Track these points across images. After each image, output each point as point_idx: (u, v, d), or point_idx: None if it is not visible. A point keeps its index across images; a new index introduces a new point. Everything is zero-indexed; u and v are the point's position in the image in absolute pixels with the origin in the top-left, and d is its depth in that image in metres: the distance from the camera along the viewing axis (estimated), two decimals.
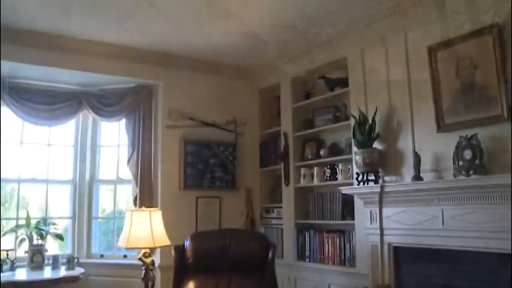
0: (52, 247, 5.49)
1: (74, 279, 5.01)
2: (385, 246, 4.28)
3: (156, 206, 5.29)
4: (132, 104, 5.62)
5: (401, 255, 4.22)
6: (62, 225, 5.73)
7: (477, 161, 3.49)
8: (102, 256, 5.82)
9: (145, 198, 5.46)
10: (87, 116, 5.88)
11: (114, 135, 6.03)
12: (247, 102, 6.28)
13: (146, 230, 4.31)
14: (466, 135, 3.58)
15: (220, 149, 6.00)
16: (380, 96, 4.49)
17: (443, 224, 3.78)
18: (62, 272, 5.11)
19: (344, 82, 5.02)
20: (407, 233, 4.09)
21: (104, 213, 6.13)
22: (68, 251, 5.65)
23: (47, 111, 5.44)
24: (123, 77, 5.56)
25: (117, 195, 6.05)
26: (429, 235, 3.89)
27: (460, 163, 3.61)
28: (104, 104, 5.67)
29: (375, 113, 4.40)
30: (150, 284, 4.39)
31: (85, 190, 5.89)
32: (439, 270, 3.89)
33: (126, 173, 5.74)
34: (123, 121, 5.73)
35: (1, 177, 5.09)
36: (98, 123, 6.01)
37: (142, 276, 4.38)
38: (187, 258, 4.51)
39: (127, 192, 5.86)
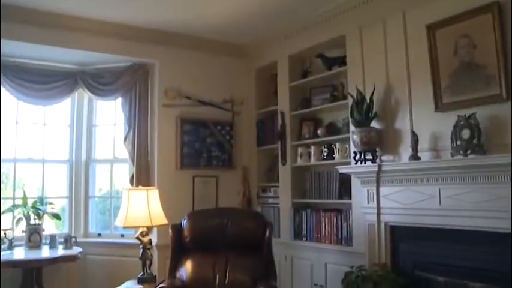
0: (49, 226, 5.51)
1: (72, 258, 5.04)
2: (382, 225, 4.30)
3: (152, 185, 5.29)
4: (128, 82, 5.58)
5: (398, 234, 4.24)
6: (58, 204, 5.73)
7: (475, 141, 3.49)
8: (99, 235, 5.83)
9: (142, 177, 5.45)
10: (82, 95, 5.84)
11: (110, 114, 6.00)
12: (244, 81, 6.23)
13: (143, 209, 4.33)
14: (465, 115, 3.57)
15: (217, 128, 5.98)
16: (378, 75, 4.46)
17: (440, 203, 3.79)
18: (60, 251, 5.13)
19: (342, 61, 4.99)
20: (404, 212, 4.11)
21: (101, 193, 6.12)
22: (65, 231, 5.67)
23: (42, 90, 5.40)
24: (120, 56, 5.50)
25: (113, 174, 6.04)
26: (426, 214, 3.91)
27: (458, 142, 3.60)
28: (100, 82, 5.62)
29: (373, 92, 4.37)
30: (147, 262, 4.43)
31: (81, 169, 5.88)
32: (435, 249, 3.91)
33: (123, 152, 5.72)
34: (119, 100, 5.68)
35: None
36: (94, 102, 5.98)
37: (140, 255, 4.41)
38: (184, 237, 4.52)
39: (123, 172, 5.85)
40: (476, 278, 3.61)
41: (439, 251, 3.88)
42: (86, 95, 5.77)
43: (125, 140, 5.58)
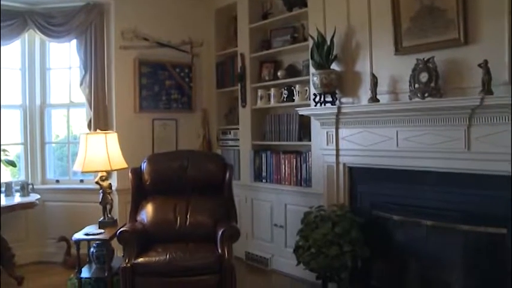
0: (4, 174, 5.36)
1: (30, 205, 4.96)
2: (341, 167, 4.39)
3: (111, 130, 5.21)
4: (82, 23, 5.34)
5: (356, 175, 4.34)
6: (13, 152, 5.58)
7: (432, 84, 3.54)
8: (57, 182, 5.75)
9: (100, 121, 5.34)
10: (34, 36, 5.58)
11: (65, 57, 5.77)
12: (204, 22, 6.08)
13: (102, 153, 4.27)
14: (423, 58, 3.60)
15: (176, 70, 5.87)
16: (339, 17, 4.41)
17: (397, 145, 3.88)
18: (17, 198, 5.04)
19: (303, 2, 4.91)
20: (362, 154, 4.19)
21: (58, 139, 5.98)
22: (22, 178, 5.55)
23: None
24: None
25: (70, 119, 5.89)
26: (384, 156, 4.00)
27: (416, 85, 3.64)
28: (52, 23, 5.36)
29: (334, 34, 4.34)
30: (108, 207, 4.42)
31: (36, 115, 5.71)
32: (392, 190, 4.04)
33: (79, 96, 5.57)
34: (74, 42, 5.46)
35: None
36: (47, 45, 5.73)
37: (100, 200, 4.39)
38: (144, 181, 4.51)
39: (81, 116, 5.70)
40: (428, 216, 3.76)
41: (395, 191, 4.01)
42: (38, 36, 5.51)
43: (81, 83, 5.41)
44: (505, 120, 3.18)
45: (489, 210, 3.39)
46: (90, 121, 5.38)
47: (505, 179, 3.23)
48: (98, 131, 4.77)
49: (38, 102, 5.71)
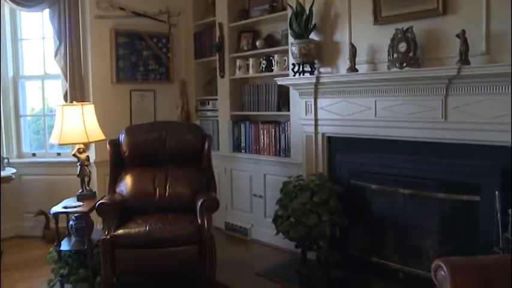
0: None
1: (6, 179, 4.89)
2: (319, 137, 4.42)
3: (88, 101, 5.12)
4: None
5: (335, 145, 4.38)
6: None
7: (411, 54, 3.54)
8: (34, 155, 5.67)
9: (76, 93, 5.23)
10: (3, 5, 5.37)
11: (38, 27, 5.62)
12: None
13: (79, 125, 4.21)
14: (402, 28, 3.60)
15: (154, 40, 5.78)
16: None
17: (375, 114, 3.90)
18: None
19: None
20: (341, 124, 4.21)
21: (34, 112, 5.87)
22: None
23: None
24: None
25: (45, 92, 5.77)
26: (362, 125, 4.03)
27: (395, 55, 3.65)
28: None
29: (312, 4, 4.30)
30: (86, 179, 4.37)
31: (9, 87, 5.57)
32: (370, 159, 4.09)
33: (54, 67, 5.44)
34: (47, 11, 5.31)
35: None
36: (18, 14, 5.56)
37: (78, 173, 4.34)
38: (123, 152, 4.46)
39: (57, 89, 5.59)
40: (405, 185, 3.83)
41: (374, 160, 4.05)
42: (7, 5, 5.33)
43: (55, 55, 5.28)
44: (482, 90, 3.22)
45: (464, 179, 3.48)
46: (66, 93, 5.28)
47: (480, 148, 3.31)
48: (74, 102, 4.69)
49: (10, 74, 5.57)
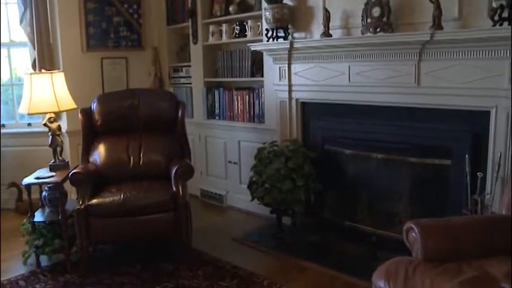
0: None
1: None
2: (293, 102, 4.42)
3: (57, 70, 4.99)
4: None
5: (309, 110, 4.39)
6: None
7: (385, 19, 3.53)
8: (3, 126, 5.52)
9: (45, 61, 5.10)
10: None
11: None
12: None
13: (49, 94, 4.11)
14: None
15: (124, 6, 5.65)
16: None
17: (349, 80, 3.90)
18: None
19: None
20: (315, 89, 4.21)
21: (1, 82, 5.71)
22: None
23: None
24: None
25: (12, 61, 5.60)
26: (336, 91, 4.04)
27: (369, 20, 3.63)
28: None
29: None
30: (58, 149, 4.30)
31: None
32: (343, 125, 4.11)
33: (21, 35, 5.28)
34: None
35: None
36: None
37: (50, 143, 4.27)
38: (95, 121, 4.40)
39: (24, 56, 5.44)
40: (379, 149, 3.88)
41: (347, 126, 4.08)
42: None
43: (21, 21, 5.11)
44: (454, 55, 3.25)
45: (436, 143, 3.53)
46: (34, 61, 5.14)
47: (451, 112, 3.36)
48: (43, 71, 4.57)
49: None
